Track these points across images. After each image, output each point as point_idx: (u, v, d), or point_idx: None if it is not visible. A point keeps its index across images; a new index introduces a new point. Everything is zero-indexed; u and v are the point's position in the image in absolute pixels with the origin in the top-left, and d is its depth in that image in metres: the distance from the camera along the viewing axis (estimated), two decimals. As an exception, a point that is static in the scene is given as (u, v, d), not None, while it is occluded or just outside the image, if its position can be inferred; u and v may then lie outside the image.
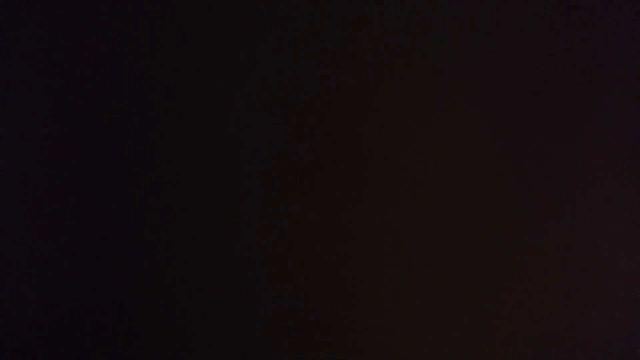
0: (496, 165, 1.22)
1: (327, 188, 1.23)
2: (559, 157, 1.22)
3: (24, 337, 1.25)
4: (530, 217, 1.22)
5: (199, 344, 1.24)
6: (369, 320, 1.22)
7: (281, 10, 1.24)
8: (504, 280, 1.22)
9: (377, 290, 1.23)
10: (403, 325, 1.22)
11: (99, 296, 1.25)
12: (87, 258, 1.25)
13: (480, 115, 1.23)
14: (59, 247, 1.25)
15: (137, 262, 1.24)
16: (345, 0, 1.24)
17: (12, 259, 1.25)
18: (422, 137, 1.23)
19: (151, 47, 1.25)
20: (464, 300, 1.22)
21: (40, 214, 1.25)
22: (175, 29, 1.25)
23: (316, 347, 1.23)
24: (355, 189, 1.23)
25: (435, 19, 1.23)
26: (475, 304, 1.22)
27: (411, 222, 1.23)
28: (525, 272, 1.22)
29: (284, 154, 1.24)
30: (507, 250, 1.22)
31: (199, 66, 1.25)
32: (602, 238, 1.22)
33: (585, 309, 1.22)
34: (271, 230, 1.23)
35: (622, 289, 1.21)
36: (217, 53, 1.25)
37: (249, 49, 1.24)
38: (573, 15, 1.23)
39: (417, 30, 1.23)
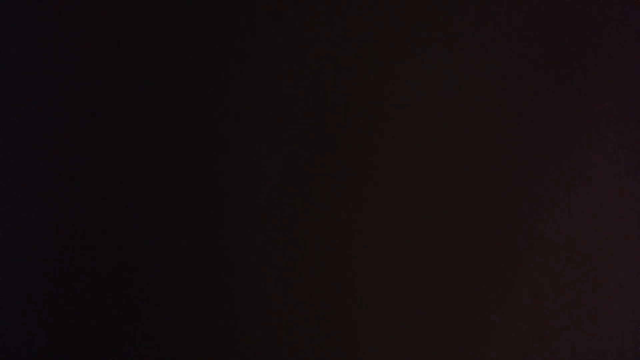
0: (497, 165, 1.23)
1: (328, 188, 1.23)
2: (558, 156, 1.23)
3: (24, 337, 1.25)
4: (530, 216, 1.22)
5: (201, 343, 1.24)
6: (370, 320, 1.23)
7: (283, 10, 1.24)
8: (504, 279, 1.22)
9: (377, 289, 1.23)
10: (404, 324, 1.22)
11: (99, 296, 1.25)
12: (88, 258, 1.25)
13: (481, 116, 1.23)
14: (58, 246, 1.25)
15: (139, 262, 1.24)
16: (346, 0, 1.24)
17: (12, 258, 1.25)
18: (422, 137, 1.23)
19: (152, 47, 1.25)
20: (464, 299, 1.22)
21: (40, 214, 1.25)
22: (177, 29, 1.25)
23: (317, 347, 1.23)
24: (355, 190, 1.23)
25: (437, 19, 1.23)
26: (475, 303, 1.22)
27: (412, 221, 1.23)
28: (525, 271, 1.22)
29: (284, 154, 1.24)
30: (507, 249, 1.22)
31: (202, 66, 1.25)
32: (602, 238, 1.22)
33: (584, 308, 1.22)
34: (271, 231, 1.24)
35: (622, 289, 1.22)
36: (218, 53, 1.25)
37: (250, 49, 1.25)
38: (573, 14, 1.23)
39: (417, 30, 1.23)
